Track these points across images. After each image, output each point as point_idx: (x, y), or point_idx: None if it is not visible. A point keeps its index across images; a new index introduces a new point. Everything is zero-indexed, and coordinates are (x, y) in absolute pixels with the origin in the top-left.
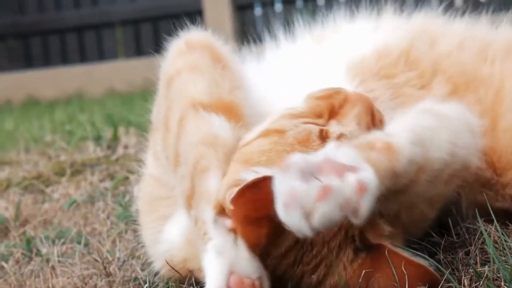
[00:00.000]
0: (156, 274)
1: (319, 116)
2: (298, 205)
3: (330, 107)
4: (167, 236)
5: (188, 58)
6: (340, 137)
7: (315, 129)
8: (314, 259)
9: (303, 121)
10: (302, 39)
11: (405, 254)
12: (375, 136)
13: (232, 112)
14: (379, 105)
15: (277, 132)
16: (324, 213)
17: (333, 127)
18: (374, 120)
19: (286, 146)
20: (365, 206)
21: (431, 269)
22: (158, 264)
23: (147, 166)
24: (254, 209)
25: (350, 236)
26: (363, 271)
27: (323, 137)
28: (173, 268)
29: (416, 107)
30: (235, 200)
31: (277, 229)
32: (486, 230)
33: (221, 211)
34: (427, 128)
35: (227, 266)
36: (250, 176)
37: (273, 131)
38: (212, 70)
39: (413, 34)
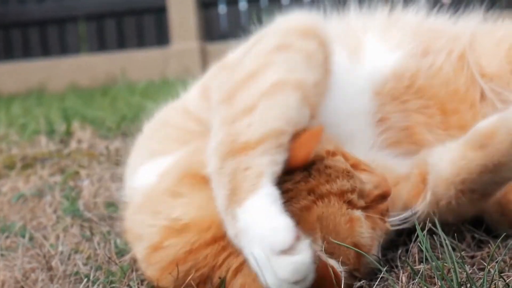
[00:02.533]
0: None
1: (346, 158)
2: None
3: (357, 162)
4: (141, 175)
5: (309, 44)
6: (335, 157)
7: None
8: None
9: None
10: None
11: (323, 257)
12: None
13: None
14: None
15: None
16: None
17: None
18: (379, 202)
19: None
20: None
21: (336, 269)
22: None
23: (188, 93)
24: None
25: None
26: None
27: (328, 152)
28: None
29: None
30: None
31: None
32: (423, 229)
33: None
34: None
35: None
36: None
37: None
38: (322, 76)
39: (420, 51)
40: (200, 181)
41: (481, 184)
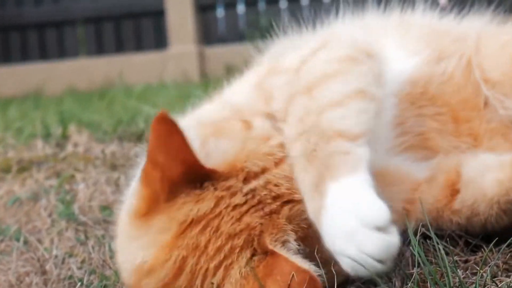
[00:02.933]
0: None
1: None
2: None
3: None
4: None
5: (374, 63)
6: None
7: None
8: (217, 254)
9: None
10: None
11: (294, 260)
12: None
13: None
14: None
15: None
16: None
17: None
18: None
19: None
20: None
21: (314, 274)
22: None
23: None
24: (158, 148)
25: (251, 237)
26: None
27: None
28: None
29: None
30: (158, 121)
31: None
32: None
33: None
34: None
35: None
36: None
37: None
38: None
39: (434, 57)
40: (143, 217)
41: None
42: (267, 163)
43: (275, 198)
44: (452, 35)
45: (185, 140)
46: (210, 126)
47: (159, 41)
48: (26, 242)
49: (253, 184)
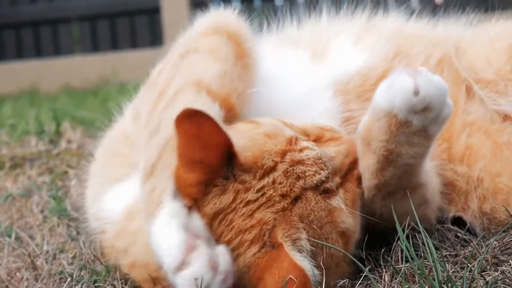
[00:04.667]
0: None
1: (306, 135)
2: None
3: (320, 135)
4: (108, 203)
5: (213, 41)
6: (306, 148)
7: (288, 133)
8: (228, 243)
9: (284, 127)
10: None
11: (295, 257)
12: None
13: (231, 112)
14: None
15: (256, 123)
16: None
17: (306, 143)
18: (352, 169)
19: (255, 134)
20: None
21: (308, 274)
22: (93, 224)
23: (124, 117)
24: (191, 146)
25: (263, 232)
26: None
27: (291, 141)
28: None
29: None
30: (180, 120)
31: (208, 181)
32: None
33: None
34: None
35: (181, 225)
36: None
37: (254, 122)
38: (231, 65)
39: (391, 53)
40: None
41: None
42: (278, 160)
43: (283, 196)
44: (421, 38)
45: (214, 122)
46: None
47: (154, 38)
48: (17, 238)
49: (265, 180)
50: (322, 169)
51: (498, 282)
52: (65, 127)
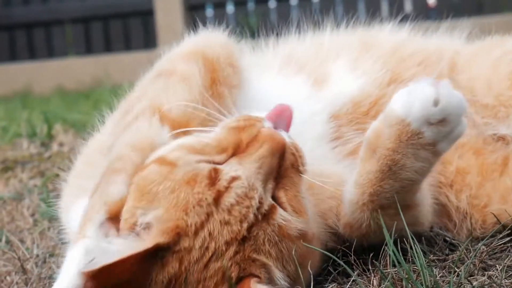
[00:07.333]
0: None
1: (224, 150)
2: None
3: (237, 142)
4: (74, 215)
5: (187, 67)
6: (232, 180)
7: (205, 170)
8: None
9: (198, 159)
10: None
11: None
12: None
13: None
14: (351, 146)
15: (170, 165)
16: None
17: (230, 167)
18: (282, 163)
19: (173, 182)
20: None
21: None
22: (67, 236)
23: (105, 127)
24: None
25: (228, 278)
26: None
27: (212, 178)
28: None
29: None
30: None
31: None
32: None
33: (113, 218)
34: None
35: (89, 268)
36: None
37: (167, 162)
38: (198, 94)
39: (386, 79)
40: None
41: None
42: (208, 211)
43: (227, 243)
44: (419, 55)
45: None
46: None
47: (148, 41)
48: (8, 242)
49: (201, 236)
50: (253, 197)
51: (485, 286)
52: (57, 129)
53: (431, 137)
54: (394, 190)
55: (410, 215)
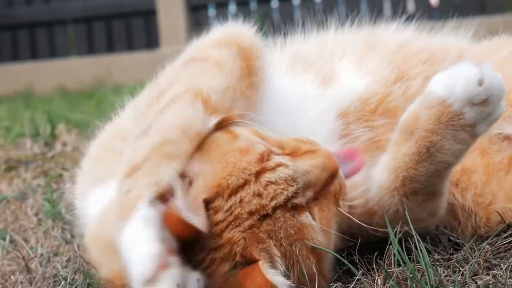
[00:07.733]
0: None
1: (282, 148)
2: None
3: (296, 148)
4: (90, 204)
5: (222, 53)
6: (279, 165)
7: (260, 149)
8: (200, 264)
9: (259, 141)
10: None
11: (268, 272)
12: None
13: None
14: (359, 144)
15: (232, 135)
16: None
17: (282, 158)
18: (328, 184)
19: (229, 147)
20: None
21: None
22: (83, 221)
23: (125, 112)
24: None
25: (234, 251)
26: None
27: (263, 157)
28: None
29: None
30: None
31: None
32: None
33: (162, 199)
34: None
35: (156, 236)
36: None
37: (231, 132)
38: (235, 81)
39: (393, 77)
40: None
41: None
42: (247, 179)
43: (250, 213)
44: (421, 55)
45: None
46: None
47: (150, 41)
48: (12, 241)
49: (232, 200)
50: (291, 185)
51: (490, 286)
52: (60, 129)
53: (472, 118)
54: (428, 174)
55: (434, 204)
